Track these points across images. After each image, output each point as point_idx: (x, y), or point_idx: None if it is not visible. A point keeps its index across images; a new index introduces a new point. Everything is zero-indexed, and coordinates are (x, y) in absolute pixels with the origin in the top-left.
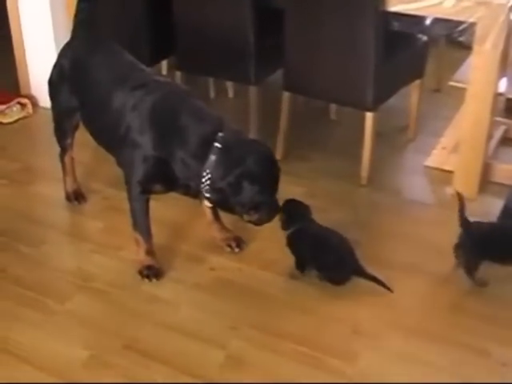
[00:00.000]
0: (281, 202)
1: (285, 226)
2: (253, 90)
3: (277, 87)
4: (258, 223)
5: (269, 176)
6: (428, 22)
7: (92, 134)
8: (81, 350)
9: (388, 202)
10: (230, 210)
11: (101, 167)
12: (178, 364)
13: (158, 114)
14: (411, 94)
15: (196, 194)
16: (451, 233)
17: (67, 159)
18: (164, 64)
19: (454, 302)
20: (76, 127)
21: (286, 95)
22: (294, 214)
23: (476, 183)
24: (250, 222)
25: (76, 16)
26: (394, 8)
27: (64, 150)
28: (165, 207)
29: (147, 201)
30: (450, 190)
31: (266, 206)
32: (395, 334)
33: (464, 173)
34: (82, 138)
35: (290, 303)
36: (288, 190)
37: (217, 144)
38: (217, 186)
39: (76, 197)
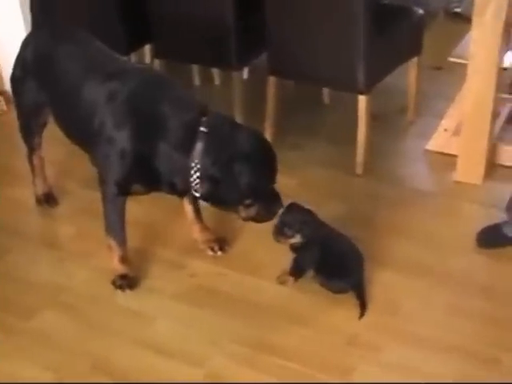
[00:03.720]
0: None
1: (289, 234)
2: (236, 76)
3: (265, 71)
4: (257, 219)
5: (264, 158)
6: None
7: (64, 130)
8: (44, 373)
9: (387, 192)
10: (224, 203)
11: (74, 166)
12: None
13: (134, 104)
14: (409, 73)
15: (183, 192)
16: (455, 224)
17: (36, 159)
18: (147, 52)
19: (457, 305)
20: (44, 125)
21: (271, 80)
22: (301, 221)
23: (481, 167)
24: (247, 219)
25: (35, 4)
26: None
27: (32, 150)
28: (140, 207)
29: (123, 203)
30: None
31: (264, 196)
32: (394, 343)
33: (468, 156)
34: (53, 134)
35: (278, 312)
36: (278, 181)
37: (202, 128)
38: (207, 174)
39: (47, 200)
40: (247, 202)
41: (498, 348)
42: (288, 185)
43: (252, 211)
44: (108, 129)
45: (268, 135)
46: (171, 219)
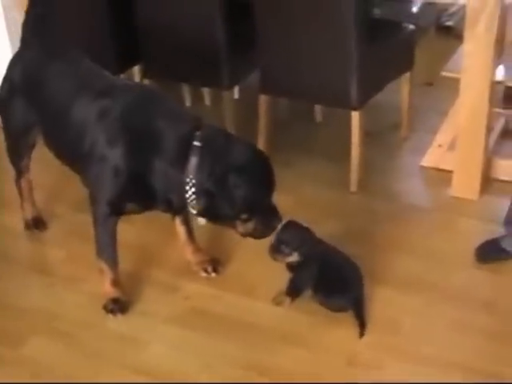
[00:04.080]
0: None
1: (287, 252)
2: (226, 95)
3: (256, 89)
4: (255, 234)
5: (260, 171)
6: (415, 9)
7: (54, 151)
8: None
9: (383, 208)
10: (220, 218)
11: (64, 189)
12: None
13: (127, 121)
14: (401, 89)
15: (180, 209)
16: (453, 239)
17: (24, 183)
18: (136, 72)
19: (459, 321)
20: (32, 146)
21: (262, 98)
22: (299, 238)
23: (477, 181)
24: (245, 234)
25: (26, 23)
26: None
27: (20, 173)
28: (132, 229)
29: (115, 224)
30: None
31: (261, 210)
32: (396, 363)
33: (463, 171)
34: (42, 156)
35: (274, 334)
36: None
37: (196, 143)
38: (203, 188)
39: (36, 224)
40: (244, 216)
41: (501, 364)
42: (283, 203)
43: (249, 226)
44: (100, 147)
45: None
46: (163, 241)
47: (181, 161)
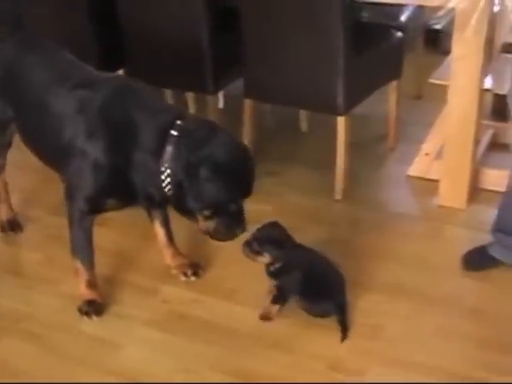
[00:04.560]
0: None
1: (258, 250)
2: (211, 103)
3: (241, 100)
4: (215, 235)
5: (237, 169)
6: (403, 18)
7: (31, 147)
8: None
9: (368, 216)
10: (183, 209)
11: (41, 193)
12: None
13: (106, 113)
14: (389, 98)
15: (163, 203)
16: (440, 247)
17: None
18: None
19: (445, 327)
20: (8, 145)
21: (247, 103)
22: (272, 239)
23: (464, 190)
24: (205, 232)
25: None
26: None
27: None
28: (110, 233)
29: (91, 222)
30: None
31: (226, 212)
32: (380, 368)
33: (451, 180)
34: (19, 160)
35: (255, 338)
36: (253, 208)
37: (173, 132)
38: (176, 179)
39: (11, 227)
40: (206, 212)
41: (488, 370)
42: (264, 211)
43: (210, 225)
44: (80, 141)
45: None
46: (142, 246)
47: (157, 150)
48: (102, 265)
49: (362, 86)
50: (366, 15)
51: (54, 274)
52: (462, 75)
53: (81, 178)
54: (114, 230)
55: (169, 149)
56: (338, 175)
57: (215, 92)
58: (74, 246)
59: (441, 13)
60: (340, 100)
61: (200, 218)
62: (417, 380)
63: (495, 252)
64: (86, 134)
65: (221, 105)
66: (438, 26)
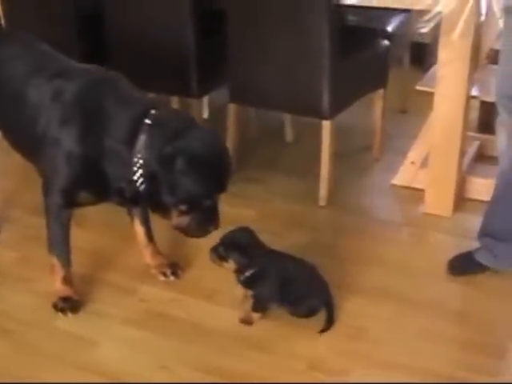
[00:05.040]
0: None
1: (223, 255)
2: (196, 104)
3: (226, 102)
4: (187, 231)
5: (214, 162)
6: (390, 28)
7: (10, 140)
8: None
9: (351, 222)
10: (157, 204)
11: (21, 194)
12: None
13: (81, 102)
14: (374, 109)
15: (134, 199)
16: (424, 253)
17: None
18: None
19: (429, 330)
20: None
21: (231, 107)
22: (247, 248)
23: (450, 199)
24: (177, 228)
25: None
26: (349, 1)
27: None
28: (88, 234)
29: (68, 217)
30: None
31: (201, 208)
32: (362, 368)
33: (436, 188)
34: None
35: (235, 338)
36: (234, 213)
37: (147, 121)
38: (149, 170)
39: None
40: (182, 207)
41: (470, 371)
42: (247, 215)
43: (184, 221)
44: (53, 128)
45: None
46: (120, 246)
47: (130, 139)
48: (79, 264)
49: (348, 90)
50: (352, 18)
51: (30, 273)
52: (449, 80)
53: (54, 167)
54: (91, 231)
55: (142, 137)
56: (323, 181)
57: (200, 96)
58: (51, 241)
59: (427, 17)
60: (325, 103)
61: (174, 213)
62: (400, 380)
63: (481, 257)
64: (60, 121)
65: (205, 114)
66: (424, 30)
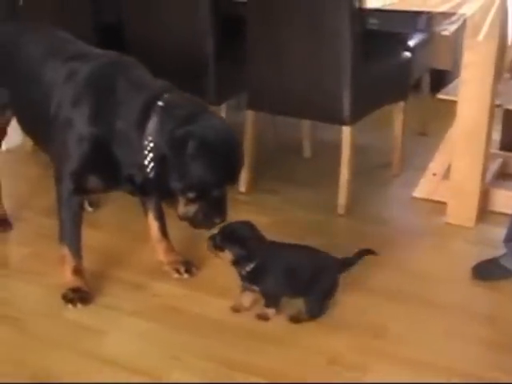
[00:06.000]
0: None
1: (220, 245)
2: (214, 108)
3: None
4: (193, 221)
5: (226, 151)
6: (412, 43)
7: (25, 127)
8: None
9: (371, 230)
10: (165, 189)
11: (36, 198)
12: None
13: (94, 83)
14: (394, 122)
15: (144, 186)
16: (448, 260)
17: None
18: None
19: (454, 330)
20: (3, 132)
21: (249, 114)
22: (246, 240)
23: (473, 210)
24: (183, 217)
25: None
26: (371, 4)
27: None
28: (100, 233)
29: (80, 205)
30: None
31: (210, 197)
32: (382, 364)
33: (459, 199)
34: (11, 167)
35: (251, 332)
36: (251, 218)
37: (160, 103)
38: (159, 153)
39: (0, 224)
40: (190, 194)
41: (504, 372)
42: (261, 222)
43: (191, 210)
44: (65, 108)
45: (244, 177)
46: (133, 246)
47: (141, 121)
48: (91, 262)
49: (369, 97)
50: (374, 22)
51: (42, 267)
52: (473, 84)
53: (66, 149)
54: (104, 232)
55: (153, 120)
56: (342, 189)
57: (218, 103)
58: (62, 230)
59: (453, 19)
60: (346, 108)
61: (182, 201)
62: (424, 380)
63: (507, 262)
64: (72, 101)
65: None
66: (446, 33)
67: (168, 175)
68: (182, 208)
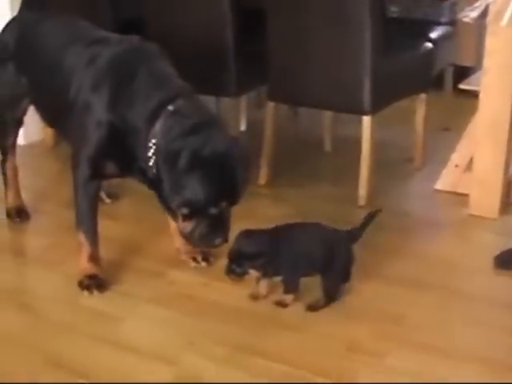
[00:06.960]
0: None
1: (240, 272)
2: (234, 104)
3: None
4: (191, 239)
5: (222, 167)
6: (434, 35)
7: (42, 110)
8: None
9: (393, 221)
10: (162, 200)
11: (55, 191)
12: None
13: (116, 68)
14: (416, 113)
15: (153, 181)
16: (470, 250)
17: (9, 168)
18: None
19: (476, 318)
20: (20, 122)
21: (270, 105)
22: (253, 252)
23: (497, 201)
24: (182, 234)
25: None
26: None
27: (5, 154)
28: (118, 224)
29: (96, 190)
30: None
31: (207, 215)
32: (401, 350)
33: (482, 189)
34: (31, 161)
35: (268, 319)
36: (269, 212)
37: (170, 107)
38: (158, 158)
39: (18, 214)
40: (184, 210)
41: None
42: (287, 214)
43: (187, 227)
44: (85, 92)
45: (264, 169)
46: (150, 236)
47: (150, 120)
48: (109, 251)
49: (390, 86)
50: (395, 10)
51: (60, 257)
52: (496, 71)
53: (83, 133)
54: (122, 223)
55: (160, 122)
56: (362, 180)
57: (238, 95)
58: (78, 217)
59: (475, 5)
60: (366, 98)
61: (180, 216)
62: (441, 365)
63: None
64: (92, 85)
65: (243, 127)
66: (467, 19)
67: (161, 184)
68: (180, 224)
